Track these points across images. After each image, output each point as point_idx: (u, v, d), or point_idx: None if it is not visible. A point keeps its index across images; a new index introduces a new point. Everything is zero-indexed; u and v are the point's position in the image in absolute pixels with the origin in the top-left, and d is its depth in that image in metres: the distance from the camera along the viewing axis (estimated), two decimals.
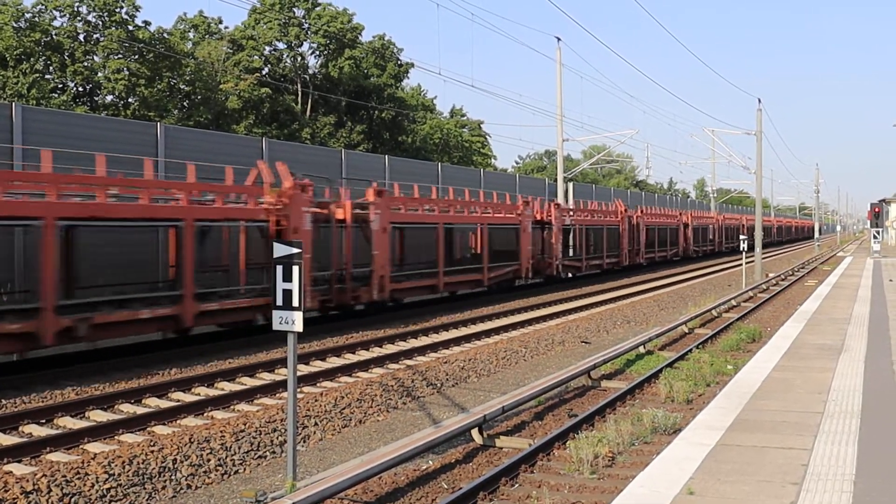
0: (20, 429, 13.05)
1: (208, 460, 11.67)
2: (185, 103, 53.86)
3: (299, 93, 61.77)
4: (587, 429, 12.84)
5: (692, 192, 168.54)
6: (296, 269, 9.38)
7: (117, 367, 17.75)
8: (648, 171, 70.42)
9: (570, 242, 43.64)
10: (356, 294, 25.32)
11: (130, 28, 48.29)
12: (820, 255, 79.55)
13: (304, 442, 13.06)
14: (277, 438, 12.78)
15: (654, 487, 7.62)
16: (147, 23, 49.81)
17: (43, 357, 17.90)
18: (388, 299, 27.08)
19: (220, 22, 62.17)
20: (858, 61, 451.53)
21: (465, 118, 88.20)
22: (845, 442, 9.09)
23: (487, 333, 23.96)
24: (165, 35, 52.74)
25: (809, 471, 8.07)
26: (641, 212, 55.35)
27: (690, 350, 20.21)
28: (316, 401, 14.77)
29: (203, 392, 15.92)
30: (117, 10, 47.64)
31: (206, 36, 60.67)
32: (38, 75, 43.51)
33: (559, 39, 50.45)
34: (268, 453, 12.38)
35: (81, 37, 48.08)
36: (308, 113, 61.58)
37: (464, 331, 24.42)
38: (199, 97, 53.48)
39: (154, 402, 15.00)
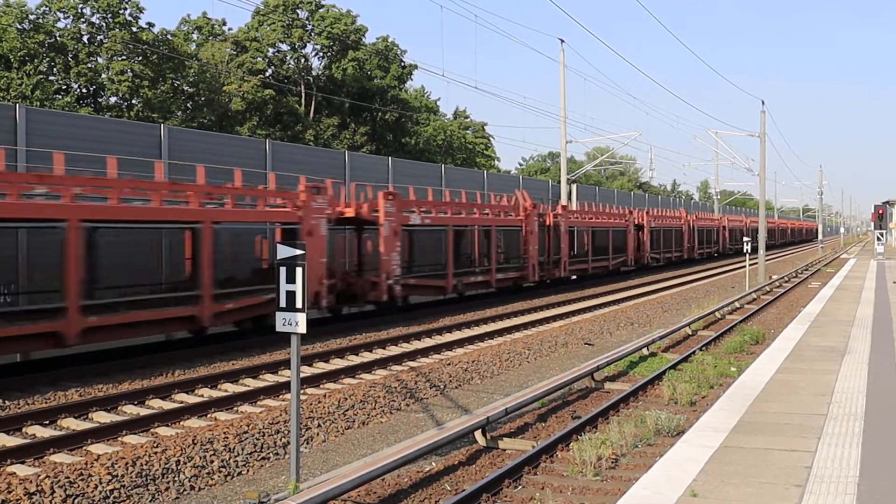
0: (24, 430, 13.07)
1: (212, 462, 11.67)
2: (188, 105, 53.92)
3: (303, 94, 61.81)
4: (590, 431, 12.83)
5: (696, 193, 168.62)
6: (299, 270, 9.39)
7: (120, 368, 17.77)
8: (652, 172, 70.15)
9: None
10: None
11: (134, 30, 48.38)
12: (823, 258, 79.45)
13: (308, 443, 13.07)
14: (281, 440, 12.78)
15: (658, 489, 7.61)
16: (151, 24, 50.03)
17: (44, 359, 17.92)
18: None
19: (224, 23, 62.30)
20: (862, 63, 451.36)
21: (468, 120, 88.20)
22: (849, 444, 9.08)
23: (491, 335, 23.97)
24: (169, 37, 52.82)
25: (813, 473, 8.06)
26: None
27: (694, 352, 20.20)
28: (319, 402, 14.76)
29: (206, 393, 15.93)
30: (121, 11, 47.72)
31: (210, 37, 60.72)
32: (41, 77, 43.57)
33: (563, 41, 50.22)
34: (271, 455, 12.38)
35: (85, 38, 48.16)
36: (311, 115, 61.62)
37: (467, 332, 24.42)
38: (202, 99, 53.53)
39: (157, 404, 15.01)
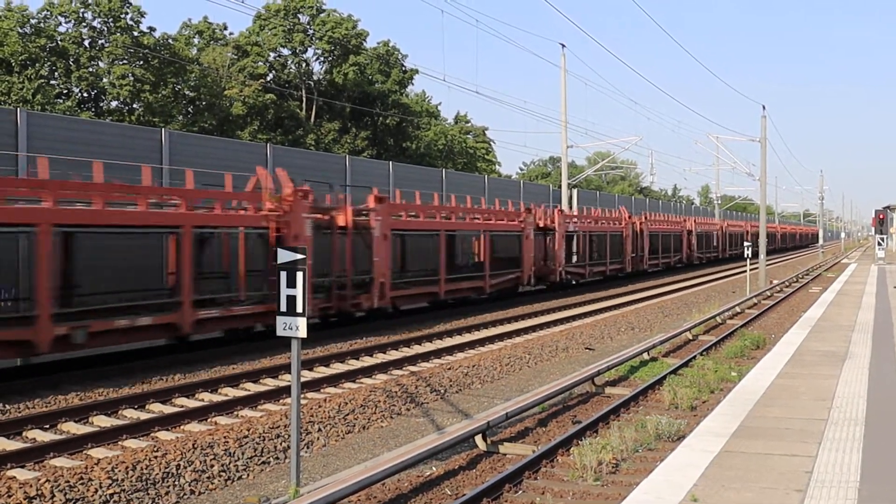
0: (24, 434, 13.06)
1: (212, 466, 11.67)
2: (189, 109, 53.91)
3: (304, 99, 61.84)
4: (591, 435, 12.83)
5: (696, 198, 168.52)
6: (300, 274, 9.39)
7: (121, 372, 17.77)
8: (653, 177, 70.05)
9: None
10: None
11: (135, 34, 48.37)
12: (824, 262, 79.46)
13: (308, 448, 13.06)
14: (281, 444, 12.78)
15: (658, 494, 7.61)
16: (152, 29, 49.92)
17: (46, 363, 17.91)
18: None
19: (225, 28, 62.28)
20: (863, 68, 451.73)
21: (469, 124, 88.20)
22: (849, 449, 9.08)
23: (491, 340, 23.96)
24: (170, 41, 52.80)
25: (814, 478, 8.06)
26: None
27: (694, 357, 20.19)
28: (320, 407, 14.76)
29: (207, 398, 15.93)
30: (122, 16, 47.72)
31: (211, 42, 60.73)
32: (43, 81, 43.58)
33: (563, 46, 50.30)
34: (271, 459, 12.37)
35: (86, 43, 48.17)
36: (312, 119, 61.65)
37: (467, 337, 24.41)
38: (203, 103, 53.53)
39: (158, 408, 15.01)
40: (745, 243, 42.42)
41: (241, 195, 22.27)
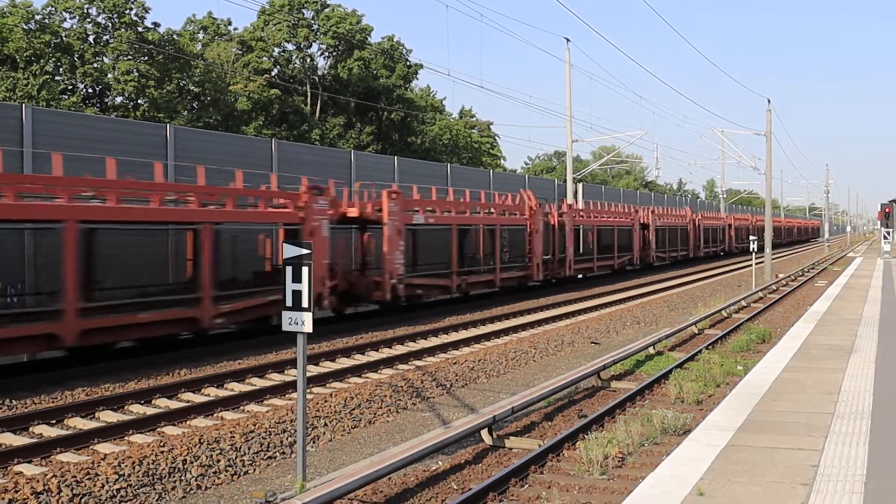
0: (31, 429, 13.09)
1: (218, 461, 11.69)
2: (194, 105, 53.96)
3: (308, 94, 61.84)
4: (597, 429, 12.83)
5: (702, 192, 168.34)
6: (305, 270, 9.39)
7: (127, 367, 17.79)
8: (658, 171, 70.27)
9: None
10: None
11: (140, 30, 48.41)
12: (830, 256, 79.33)
13: (314, 443, 13.07)
14: (287, 439, 12.79)
15: (664, 488, 7.60)
16: (156, 24, 49.98)
17: (52, 358, 17.95)
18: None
19: (230, 23, 62.28)
20: (868, 61, 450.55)
21: (474, 119, 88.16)
22: (856, 443, 9.06)
23: (497, 334, 23.96)
24: (175, 37, 52.84)
25: (820, 472, 8.05)
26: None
27: (700, 351, 20.18)
28: (326, 401, 14.77)
29: (213, 393, 15.95)
30: (127, 11, 47.76)
31: (216, 37, 60.75)
32: (48, 77, 43.63)
33: (568, 40, 50.33)
34: (277, 454, 12.39)
35: (91, 38, 48.21)
36: (317, 114, 61.65)
37: (473, 331, 24.42)
38: (208, 98, 53.56)
39: (164, 403, 15.03)
40: (751, 237, 42.37)
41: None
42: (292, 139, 51.52)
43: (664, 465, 8.45)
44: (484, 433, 12.37)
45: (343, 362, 19.22)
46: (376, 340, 21.81)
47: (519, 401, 13.86)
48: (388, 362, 19.03)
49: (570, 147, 50.54)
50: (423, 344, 21.96)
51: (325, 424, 13.82)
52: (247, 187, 22.82)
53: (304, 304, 9.43)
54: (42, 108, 30.25)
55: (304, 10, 62.34)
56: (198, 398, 15.44)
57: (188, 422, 13.70)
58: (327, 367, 18.63)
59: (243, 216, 22.03)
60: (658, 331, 24.02)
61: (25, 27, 43.99)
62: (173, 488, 10.80)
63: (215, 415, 14.24)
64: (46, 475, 10.39)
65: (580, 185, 55.65)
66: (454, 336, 23.49)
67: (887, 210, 58.88)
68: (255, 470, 11.78)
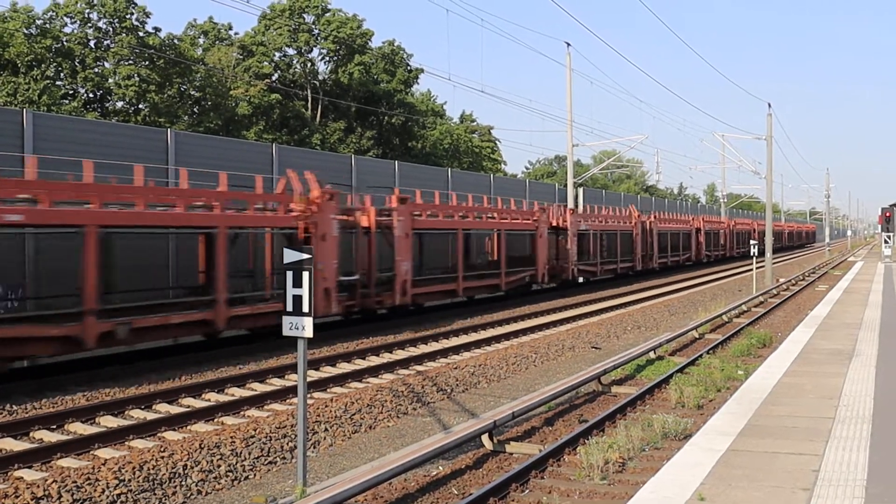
0: (31, 434, 13.09)
1: (219, 466, 11.68)
2: (195, 109, 53.96)
3: (309, 99, 61.85)
4: (597, 434, 12.82)
5: (702, 196, 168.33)
6: (305, 274, 9.39)
7: (127, 372, 17.80)
8: (658, 176, 70.16)
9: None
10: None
11: (141, 34, 48.42)
12: (830, 260, 79.31)
13: (315, 448, 13.07)
14: (288, 444, 12.79)
15: (665, 493, 7.60)
16: (157, 29, 49.94)
17: (52, 363, 17.96)
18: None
19: (230, 28, 62.34)
20: (869, 65, 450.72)
21: (474, 123, 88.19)
22: (857, 448, 9.06)
23: (498, 339, 23.97)
24: (175, 41, 52.85)
25: (821, 476, 8.04)
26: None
27: (701, 355, 20.17)
28: (326, 406, 14.77)
29: (213, 398, 15.95)
30: (128, 16, 47.79)
31: (216, 42, 60.78)
32: (48, 82, 43.64)
33: (569, 45, 50.48)
34: (278, 459, 12.38)
35: (92, 43, 48.24)
36: (318, 119, 61.66)
37: (474, 336, 24.43)
38: (209, 103, 53.57)
39: (164, 408, 15.03)
40: (752, 241, 42.39)
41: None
42: (293, 144, 51.52)
43: (665, 470, 8.45)
44: (485, 438, 12.37)
45: (344, 367, 19.21)
46: (377, 345, 21.81)
47: (520, 406, 13.86)
48: (389, 367, 19.03)
49: (570, 151, 50.55)
50: (423, 349, 21.97)
51: (326, 429, 13.82)
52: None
53: (305, 308, 9.43)
54: (43, 113, 30.26)
55: (305, 15, 62.34)
56: (198, 403, 15.44)
57: (189, 427, 13.70)
58: (328, 371, 18.63)
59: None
60: (659, 335, 24.02)
61: (26, 32, 44.01)
62: (174, 493, 10.80)
63: (216, 420, 14.23)
64: (47, 480, 10.39)
65: (581, 190, 55.66)
66: (455, 341, 23.49)
67: (888, 214, 58.90)
68: (255, 475, 11.77)
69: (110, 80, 48.25)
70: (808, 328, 20.18)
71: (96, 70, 47.64)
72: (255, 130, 54.35)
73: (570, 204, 47.69)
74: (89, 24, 47.82)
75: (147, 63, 48.53)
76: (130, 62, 48.29)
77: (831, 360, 15.02)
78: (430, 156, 66.78)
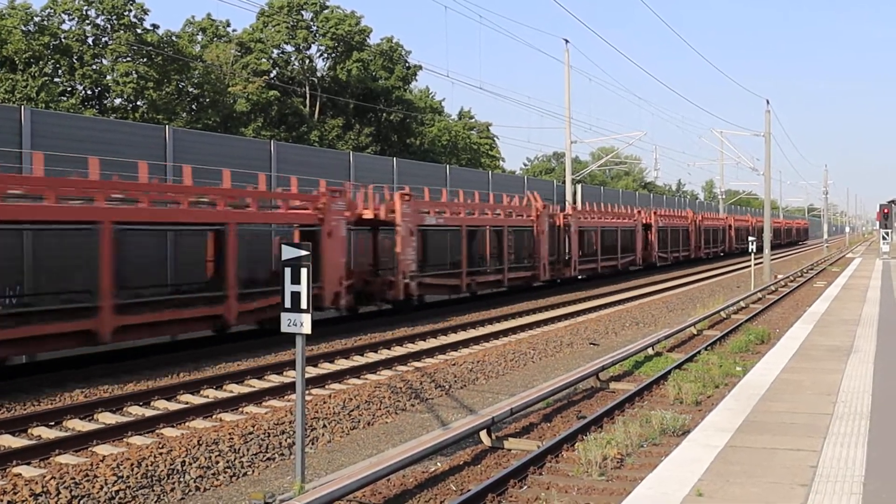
0: (29, 431, 13.08)
1: (217, 462, 11.68)
2: (193, 106, 53.92)
3: (307, 95, 61.81)
4: (596, 430, 12.83)
5: (700, 193, 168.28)
6: (304, 271, 9.39)
7: (126, 369, 17.79)
8: (657, 172, 70.13)
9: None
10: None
11: (139, 31, 48.37)
12: (829, 257, 79.33)
13: (313, 444, 13.07)
14: (286, 440, 12.79)
15: (663, 489, 7.61)
16: (155, 26, 49.91)
17: (50, 360, 17.96)
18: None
19: (228, 25, 62.22)
20: (867, 62, 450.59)
21: (473, 120, 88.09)
22: (854, 444, 9.06)
23: (496, 335, 23.97)
24: (174, 38, 52.80)
25: (818, 472, 8.05)
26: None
27: (699, 352, 20.18)
28: (324, 403, 14.78)
29: (212, 394, 15.94)
30: (126, 13, 47.74)
31: (214, 39, 60.71)
32: (46, 79, 43.59)
33: (567, 41, 50.33)
34: (276, 455, 12.39)
35: (90, 40, 48.18)
36: (316, 115, 61.62)
37: (473, 333, 24.43)
38: (207, 100, 53.53)
39: (163, 405, 15.02)
40: (750, 238, 42.40)
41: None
42: (291, 140, 51.49)
43: (663, 466, 8.46)
44: (483, 434, 12.37)
45: (342, 364, 19.21)
46: (375, 342, 21.80)
47: (518, 402, 13.86)
48: (387, 364, 19.03)
49: (569, 148, 50.55)
50: (422, 345, 21.96)
51: (324, 426, 13.82)
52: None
53: (303, 305, 9.43)
54: (41, 110, 30.22)
55: (303, 12, 62.30)
56: (196, 400, 15.43)
57: (187, 423, 13.69)
58: (326, 368, 18.63)
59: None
60: (657, 332, 24.03)
61: (24, 29, 43.97)
62: (172, 490, 10.80)
63: (214, 416, 14.23)
64: (45, 477, 10.39)
65: (579, 187, 55.65)
66: (453, 337, 23.49)
67: (886, 211, 58.92)
68: (253, 471, 11.77)
69: (108, 77, 48.21)
70: (806, 325, 20.19)
71: (94, 67, 47.58)
72: (253, 127, 54.33)
73: (569, 200, 47.71)
74: (87, 21, 47.75)
75: (145, 60, 48.49)
76: (128, 59, 48.24)
77: (829, 357, 15.03)
78: (428, 152, 66.75)
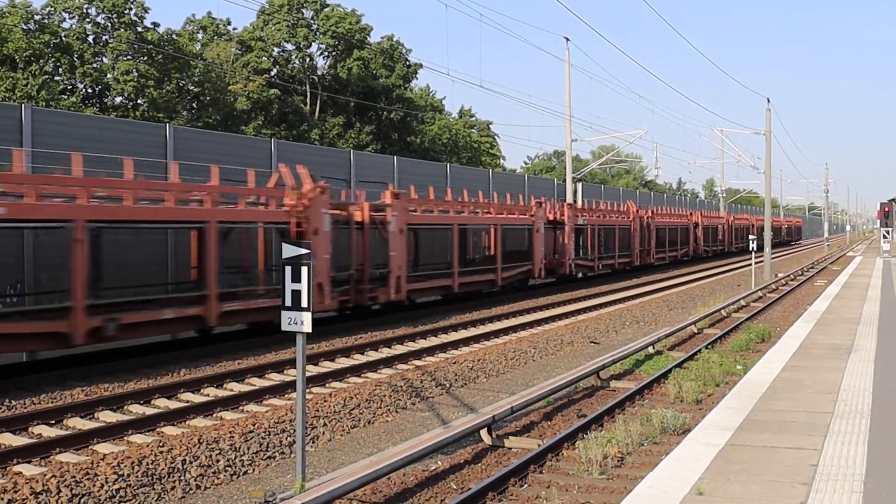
0: (30, 430, 13.09)
1: (217, 461, 11.68)
2: (193, 105, 53.93)
3: (308, 94, 61.80)
4: (596, 429, 12.83)
5: (701, 192, 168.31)
6: (304, 269, 9.38)
7: (126, 367, 17.78)
8: (657, 171, 70.13)
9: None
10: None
11: (139, 30, 48.37)
12: (829, 255, 79.33)
13: (314, 442, 13.07)
14: (286, 439, 12.79)
15: (664, 487, 7.61)
16: (156, 24, 49.90)
17: (51, 358, 17.95)
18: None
19: (229, 23, 62.26)
20: (868, 60, 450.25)
21: (473, 119, 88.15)
22: (855, 442, 9.06)
23: (497, 334, 23.96)
24: (174, 36, 52.77)
25: (819, 471, 8.05)
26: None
27: (700, 350, 20.18)
28: (325, 401, 14.77)
29: (212, 393, 15.94)
30: (126, 11, 47.73)
31: (215, 37, 60.73)
32: (47, 77, 43.60)
33: (568, 40, 50.23)
34: (277, 454, 12.39)
35: (91, 38, 48.19)
36: (317, 114, 61.62)
37: (473, 331, 24.42)
38: (207, 98, 53.53)
39: (163, 403, 15.02)
40: (751, 237, 42.37)
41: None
42: (292, 139, 51.50)
43: (663, 465, 8.45)
44: (483, 433, 12.37)
45: (342, 362, 19.21)
46: (375, 340, 21.80)
47: (518, 400, 13.87)
48: (388, 362, 19.03)
49: (569, 146, 50.53)
50: (422, 344, 21.96)
51: (325, 424, 13.82)
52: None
53: (304, 303, 9.43)
54: (41, 109, 30.22)
55: (304, 10, 62.29)
56: (197, 398, 15.43)
57: (187, 422, 13.69)
58: (326, 367, 18.63)
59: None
60: (657, 330, 24.03)
61: (25, 27, 43.97)
62: (172, 488, 10.80)
63: (214, 415, 14.24)
64: (46, 475, 10.39)
65: (579, 185, 55.62)
66: (454, 336, 23.48)
67: (886, 209, 58.87)
68: (254, 470, 11.78)
69: (109, 76, 48.20)
70: (806, 323, 20.19)
71: (95, 65, 47.57)
72: (253, 126, 54.34)
73: (569, 199, 47.68)
74: (88, 20, 47.75)
75: (146, 58, 48.48)
76: (129, 57, 48.23)
77: (830, 355, 15.03)
78: (428, 151, 66.76)
